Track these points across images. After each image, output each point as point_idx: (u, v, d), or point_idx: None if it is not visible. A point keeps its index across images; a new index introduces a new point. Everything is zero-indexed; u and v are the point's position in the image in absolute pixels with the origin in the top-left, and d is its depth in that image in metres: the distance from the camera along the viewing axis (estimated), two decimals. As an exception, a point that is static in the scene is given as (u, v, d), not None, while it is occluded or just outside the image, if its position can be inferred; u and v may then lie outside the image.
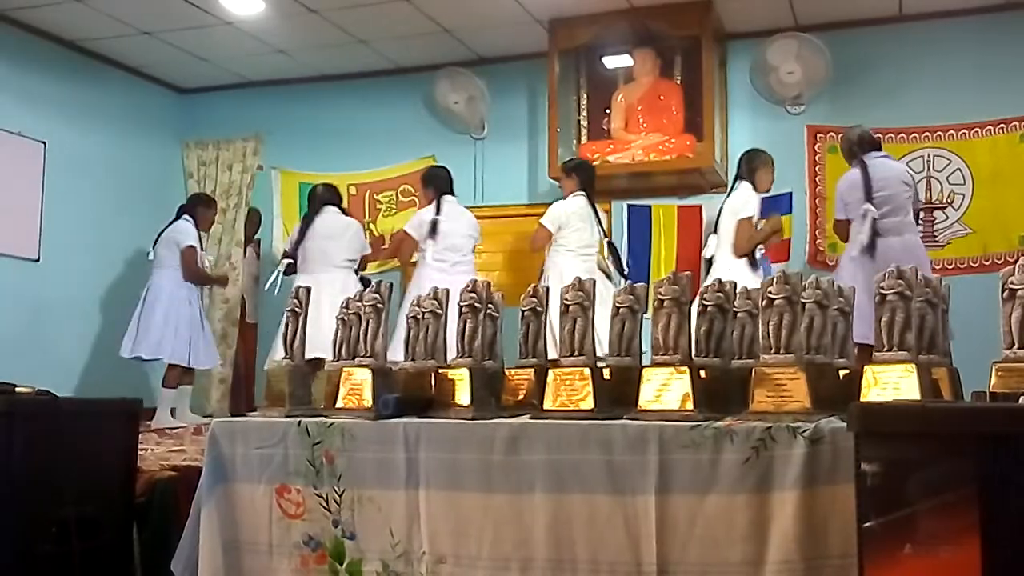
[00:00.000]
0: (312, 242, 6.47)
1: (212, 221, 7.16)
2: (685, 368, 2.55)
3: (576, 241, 6.15)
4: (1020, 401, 2.24)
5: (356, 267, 6.63)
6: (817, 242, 6.71)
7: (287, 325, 3.23)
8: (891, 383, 2.40)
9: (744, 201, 5.95)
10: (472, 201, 6.94)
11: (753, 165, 6.08)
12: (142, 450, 3.91)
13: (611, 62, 7.23)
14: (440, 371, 2.92)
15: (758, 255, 5.94)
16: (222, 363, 7.24)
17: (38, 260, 7.00)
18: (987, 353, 2.52)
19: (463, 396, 2.81)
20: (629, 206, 7.02)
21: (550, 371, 2.75)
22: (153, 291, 6.62)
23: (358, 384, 2.95)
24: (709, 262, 5.97)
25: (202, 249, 6.84)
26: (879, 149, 5.64)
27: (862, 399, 2.41)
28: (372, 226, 7.83)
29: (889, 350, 2.45)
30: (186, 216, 6.80)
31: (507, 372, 2.97)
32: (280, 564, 2.87)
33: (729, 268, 5.64)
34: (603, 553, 2.48)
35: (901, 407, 2.14)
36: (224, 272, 7.43)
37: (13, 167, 6.86)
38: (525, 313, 2.93)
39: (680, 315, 2.61)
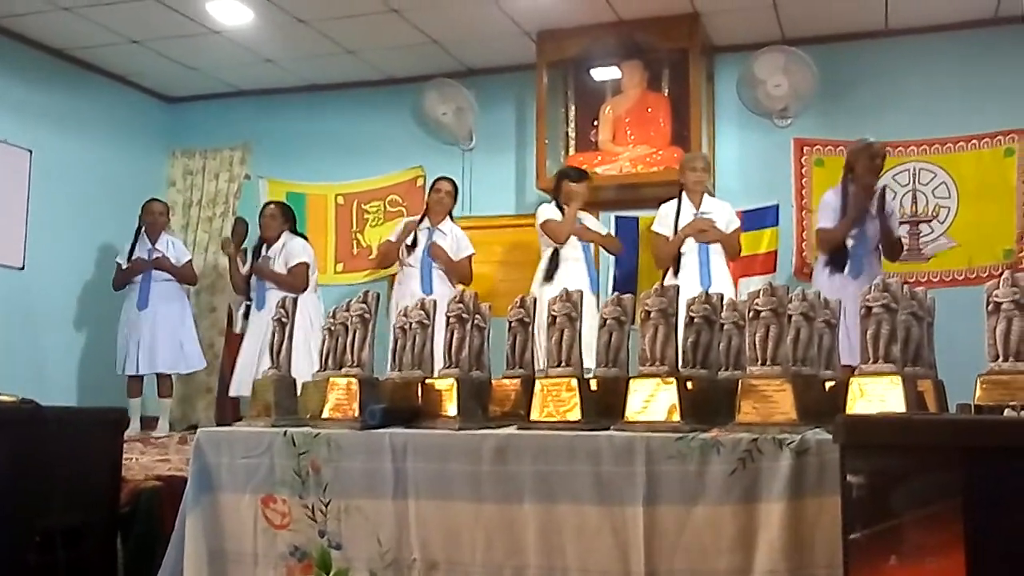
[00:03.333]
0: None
1: (150, 223, 6.98)
2: (672, 379, 2.56)
3: None
4: (1005, 414, 2.25)
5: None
6: (804, 255, 6.72)
7: (273, 335, 3.23)
8: (877, 395, 2.41)
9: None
10: (460, 212, 6.95)
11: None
12: (127, 459, 3.88)
13: (599, 74, 7.26)
14: (427, 381, 2.92)
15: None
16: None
17: (23, 268, 6.97)
18: (972, 366, 2.53)
19: (450, 406, 2.81)
20: (616, 218, 7.03)
21: (537, 382, 2.75)
22: None
23: (344, 394, 2.95)
24: None
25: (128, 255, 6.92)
26: None
27: (848, 411, 2.42)
28: (359, 236, 7.83)
29: (875, 362, 2.46)
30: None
31: (494, 383, 2.97)
32: (266, 574, 2.87)
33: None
34: (593, 562, 2.49)
35: (886, 419, 2.15)
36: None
37: (-1, 175, 6.84)
38: (512, 324, 2.94)
39: (667, 326, 2.62)
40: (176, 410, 7.31)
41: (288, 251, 6.67)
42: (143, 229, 6.93)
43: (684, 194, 6.02)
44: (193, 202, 8.00)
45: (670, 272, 5.92)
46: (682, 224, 5.92)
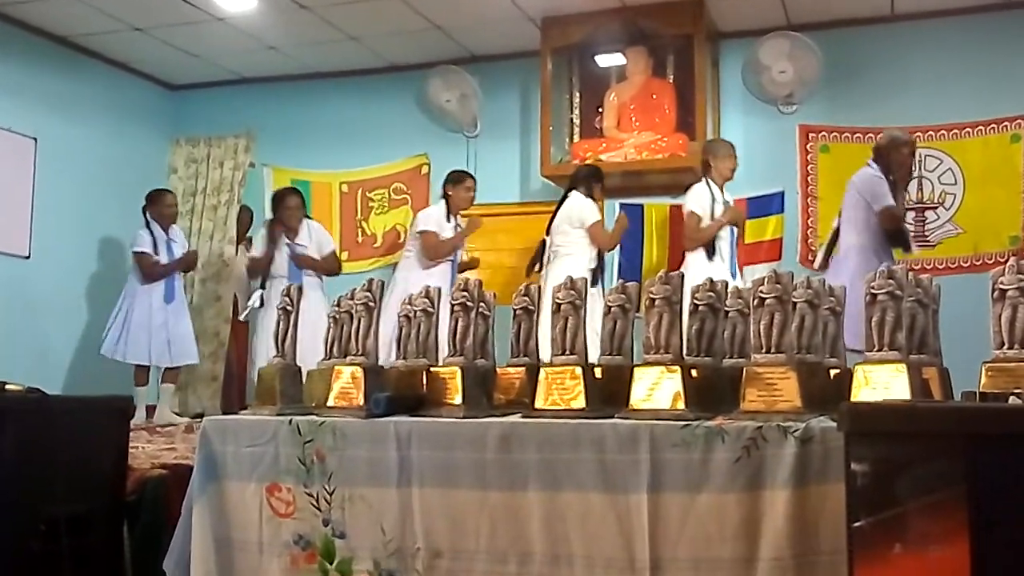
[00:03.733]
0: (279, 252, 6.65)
1: (165, 215, 6.95)
2: (676, 367, 2.55)
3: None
4: (1009, 401, 2.25)
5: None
6: (809, 241, 6.71)
7: (278, 324, 3.23)
8: (881, 383, 2.41)
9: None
10: (465, 199, 6.94)
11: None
12: (133, 448, 3.89)
13: (604, 60, 7.24)
14: (432, 370, 2.92)
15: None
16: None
17: (28, 257, 6.98)
18: (977, 353, 2.53)
19: (455, 395, 2.81)
20: (621, 205, 7.02)
21: (542, 370, 2.75)
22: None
23: (349, 383, 2.95)
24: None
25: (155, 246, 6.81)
26: None
27: (852, 399, 2.41)
28: (364, 224, 7.83)
29: (880, 350, 2.45)
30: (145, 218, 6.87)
31: (499, 371, 2.97)
32: (270, 563, 2.87)
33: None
34: (598, 549, 2.49)
35: (891, 407, 2.14)
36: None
37: (4, 163, 6.84)
38: (517, 312, 2.94)
39: (671, 314, 2.61)
40: (176, 397, 7.30)
41: (319, 240, 6.79)
42: (153, 219, 6.87)
43: (710, 181, 6.04)
44: (197, 190, 7.98)
45: (703, 258, 5.94)
46: (718, 212, 5.98)
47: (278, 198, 6.84)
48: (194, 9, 6.68)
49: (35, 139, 7.04)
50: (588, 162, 6.77)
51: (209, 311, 7.57)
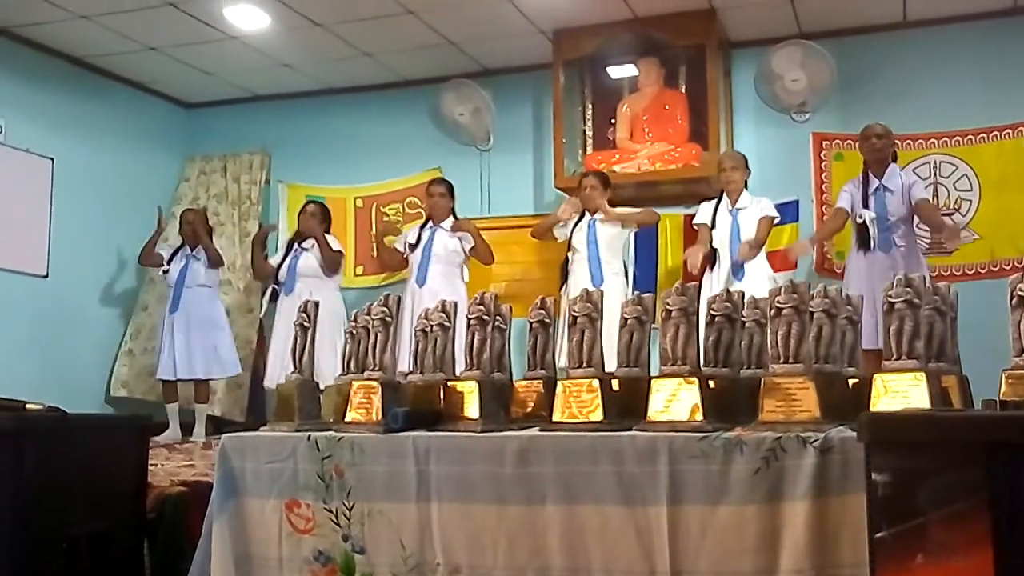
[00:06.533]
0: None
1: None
2: (694, 378, 2.55)
3: None
4: (1030, 409, 2.24)
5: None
6: (825, 250, 6.68)
7: (295, 339, 3.24)
8: (900, 392, 2.40)
9: None
10: (478, 212, 6.96)
11: None
12: (152, 465, 3.91)
13: (616, 72, 7.24)
14: (449, 384, 2.92)
15: None
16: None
17: (46, 276, 7.02)
18: (996, 360, 2.51)
19: (472, 409, 2.81)
20: (635, 215, 7.01)
21: (559, 383, 2.75)
22: None
23: (367, 398, 2.95)
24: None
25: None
26: None
27: (872, 408, 2.41)
28: (379, 238, 7.84)
29: (898, 358, 2.44)
30: None
31: (516, 384, 2.97)
32: (291, 579, 2.88)
33: None
34: (617, 562, 2.49)
35: (911, 416, 2.14)
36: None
37: (21, 183, 6.88)
38: (533, 325, 2.94)
39: (688, 325, 2.61)
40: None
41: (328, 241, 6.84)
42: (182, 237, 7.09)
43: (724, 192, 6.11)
44: (208, 196, 8.03)
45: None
46: (720, 219, 6.05)
47: (303, 206, 7.04)
48: (208, 28, 6.71)
49: (52, 159, 7.08)
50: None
51: (242, 320, 7.59)
